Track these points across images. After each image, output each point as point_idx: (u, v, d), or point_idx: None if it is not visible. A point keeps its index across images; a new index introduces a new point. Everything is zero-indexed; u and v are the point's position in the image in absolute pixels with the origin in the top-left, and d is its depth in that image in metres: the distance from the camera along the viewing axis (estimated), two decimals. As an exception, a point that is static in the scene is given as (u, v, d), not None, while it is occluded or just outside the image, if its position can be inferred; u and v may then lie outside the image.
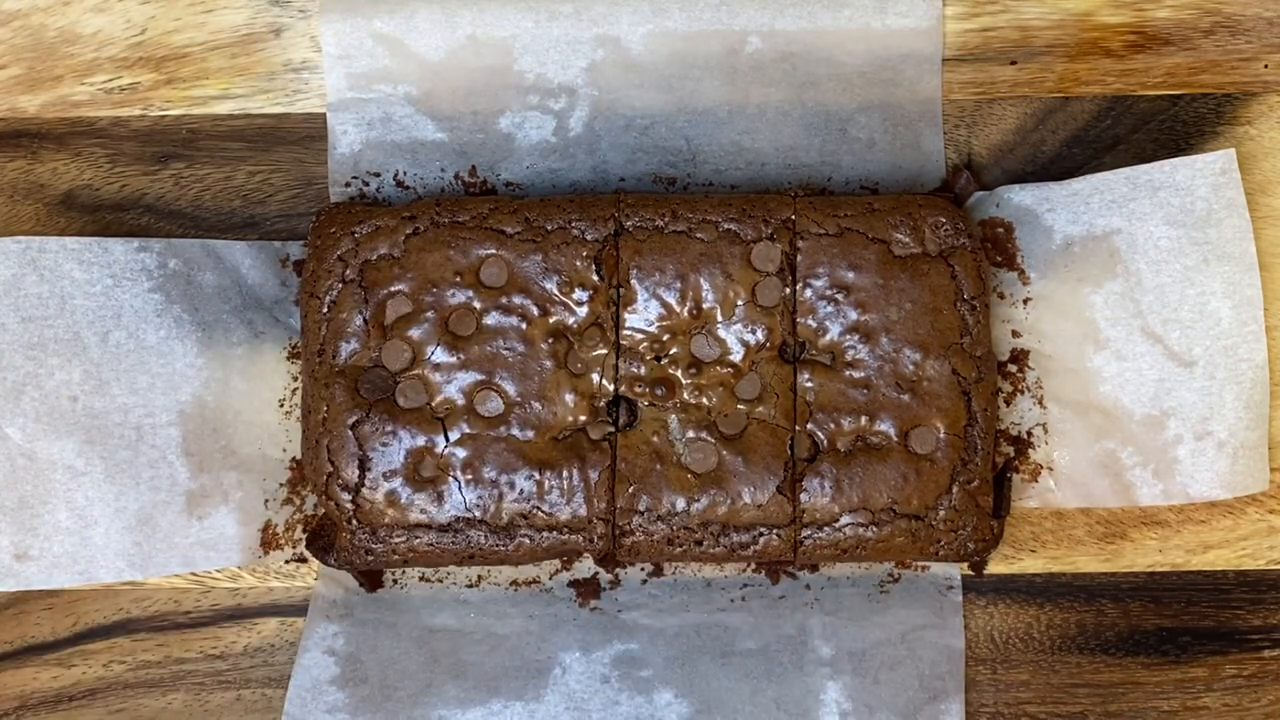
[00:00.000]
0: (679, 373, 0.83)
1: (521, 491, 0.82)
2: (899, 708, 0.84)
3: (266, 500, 0.86)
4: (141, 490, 0.84)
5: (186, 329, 0.85)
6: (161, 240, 0.86)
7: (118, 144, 0.89)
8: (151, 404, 0.84)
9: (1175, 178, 0.85)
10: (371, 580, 0.87)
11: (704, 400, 0.83)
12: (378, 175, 0.89)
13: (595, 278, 0.83)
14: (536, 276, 0.83)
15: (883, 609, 0.86)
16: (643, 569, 0.87)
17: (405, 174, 0.89)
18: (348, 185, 0.89)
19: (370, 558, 0.83)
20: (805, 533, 0.83)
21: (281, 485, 0.86)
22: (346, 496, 0.83)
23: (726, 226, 0.83)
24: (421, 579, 0.87)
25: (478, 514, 0.82)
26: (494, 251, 0.83)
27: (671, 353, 0.83)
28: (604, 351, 0.83)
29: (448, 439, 0.83)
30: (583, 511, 0.82)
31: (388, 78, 0.89)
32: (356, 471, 0.83)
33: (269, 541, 0.86)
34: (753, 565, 0.87)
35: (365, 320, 0.83)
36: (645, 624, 0.86)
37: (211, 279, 0.86)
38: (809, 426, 0.83)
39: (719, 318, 0.83)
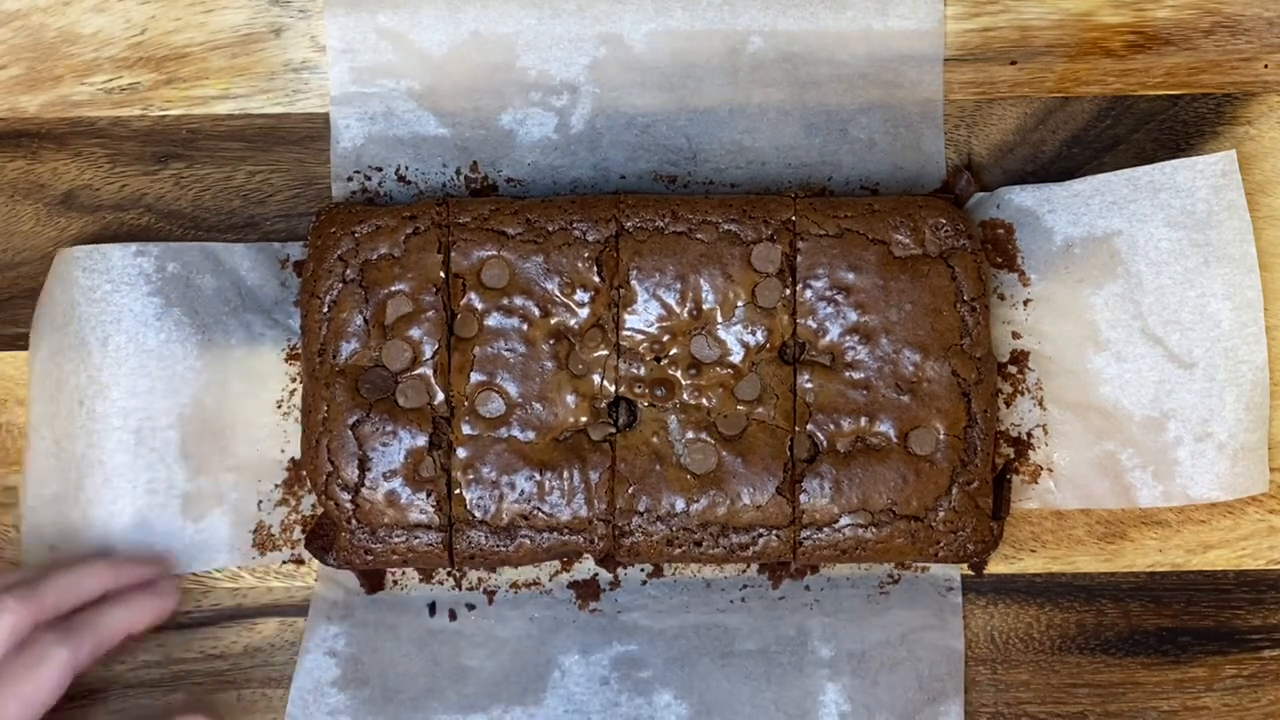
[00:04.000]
0: (679, 373, 0.83)
1: (522, 492, 0.82)
2: (898, 709, 0.84)
3: (260, 502, 0.86)
4: (139, 494, 0.84)
5: (187, 332, 0.85)
6: (159, 244, 0.86)
7: (118, 144, 0.89)
8: (152, 407, 0.84)
9: (1176, 179, 0.85)
10: (373, 582, 0.87)
11: (704, 401, 0.83)
12: (380, 170, 0.89)
13: (596, 279, 0.83)
14: (538, 278, 0.83)
15: (882, 610, 0.86)
16: (642, 570, 0.87)
17: (407, 169, 0.89)
18: (350, 179, 0.89)
19: (370, 557, 0.83)
20: (805, 534, 0.83)
21: (277, 486, 0.86)
22: (346, 496, 0.83)
23: (727, 227, 0.83)
24: (421, 580, 0.87)
25: (478, 514, 0.82)
26: (495, 253, 0.83)
27: (671, 353, 0.83)
28: (605, 353, 0.83)
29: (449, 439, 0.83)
30: (583, 512, 0.82)
31: (391, 73, 0.89)
32: (356, 471, 0.83)
33: (263, 543, 0.86)
34: (753, 566, 0.87)
35: (366, 320, 0.83)
36: (645, 625, 0.86)
37: (210, 282, 0.86)
38: (809, 427, 0.83)
39: (719, 319, 0.83)
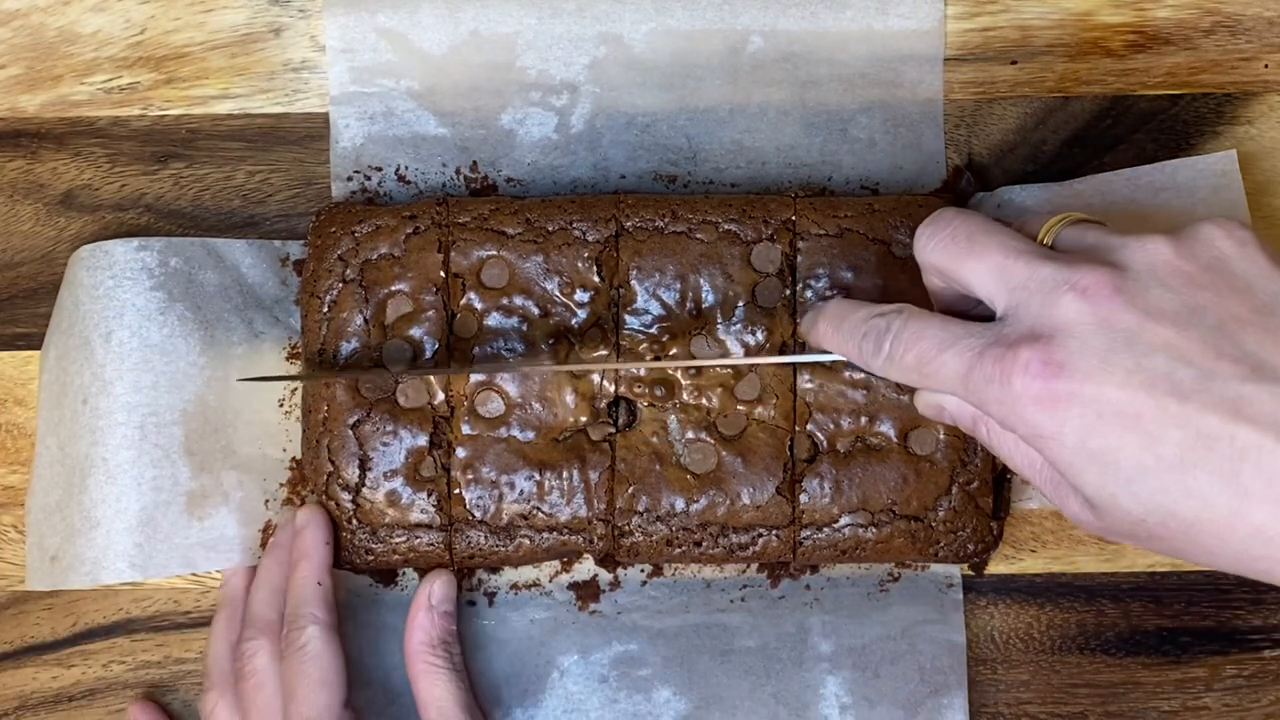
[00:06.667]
0: (679, 373, 0.83)
1: (522, 492, 0.82)
2: (900, 701, 0.84)
3: (267, 500, 0.86)
4: (144, 491, 0.84)
5: (190, 327, 0.85)
6: (161, 239, 0.86)
7: (118, 144, 0.89)
8: (156, 403, 0.84)
9: (1176, 179, 0.85)
10: (385, 578, 0.86)
11: (703, 401, 0.83)
12: (379, 169, 0.89)
13: (596, 279, 0.83)
14: (538, 277, 0.83)
15: (883, 607, 0.86)
16: (642, 570, 0.87)
17: (407, 169, 0.89)
18: (349, 179, 0.88)
19: (370, 557, 0.83)
20: (804, 534, 0.83)
21: (281, 485, 0.86)
22: (347, 496, 0.83)
23: (726, 227, 0.83)
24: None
25: (478, 514, 0.83)
26: (495, 253, 0.83)
27: (671, 353, 0.83)
28: (605, 353, 0.83)
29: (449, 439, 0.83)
30: (583, 512, 0.82)
31: (390, 72, 0.89)
32: (357, 471, 0.83)
33: (268, 542, 0.86)
34: (753, 566, 0.87)
35: (366, 320, 0.83)
36: (644, 625, 0.86)
37: (213, 277, 0.86)
38: (808, 427, 0.83)
39: (719, 318, 0.83)
